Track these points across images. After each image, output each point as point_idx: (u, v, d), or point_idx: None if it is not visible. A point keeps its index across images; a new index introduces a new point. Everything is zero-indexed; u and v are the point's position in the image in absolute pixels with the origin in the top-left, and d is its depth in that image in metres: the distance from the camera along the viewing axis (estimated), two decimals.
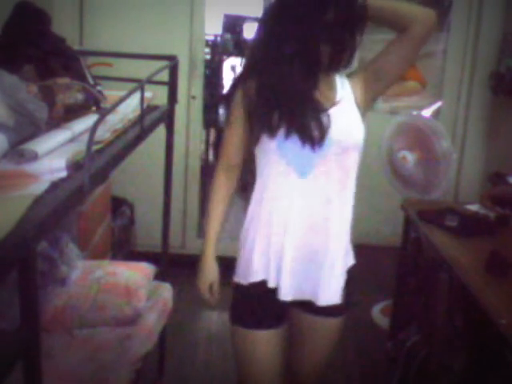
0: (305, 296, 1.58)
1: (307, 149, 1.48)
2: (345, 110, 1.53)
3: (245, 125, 1.56)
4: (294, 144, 1.48)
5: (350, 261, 1.65)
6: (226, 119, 1.60)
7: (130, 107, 1.82)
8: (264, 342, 1.62)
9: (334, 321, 1.66)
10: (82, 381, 1.86)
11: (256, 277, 1.56)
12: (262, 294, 1.57)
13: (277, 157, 1.51)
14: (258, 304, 1.60)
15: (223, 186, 1.63)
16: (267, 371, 1.65)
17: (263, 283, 1.56)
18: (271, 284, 1.55)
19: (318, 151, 1.49)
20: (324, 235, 1.54)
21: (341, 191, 1.55)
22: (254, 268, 1.56)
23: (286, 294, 1.55)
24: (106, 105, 1.73)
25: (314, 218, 1.53)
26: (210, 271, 1.64)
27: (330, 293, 1.57)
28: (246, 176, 1.65)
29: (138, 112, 1.86)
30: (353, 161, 1.55)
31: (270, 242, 1.54)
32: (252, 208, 1.59)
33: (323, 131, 1.47)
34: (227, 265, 1.65)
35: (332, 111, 1.50)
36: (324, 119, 1.47)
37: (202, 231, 4.06)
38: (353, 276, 1.64)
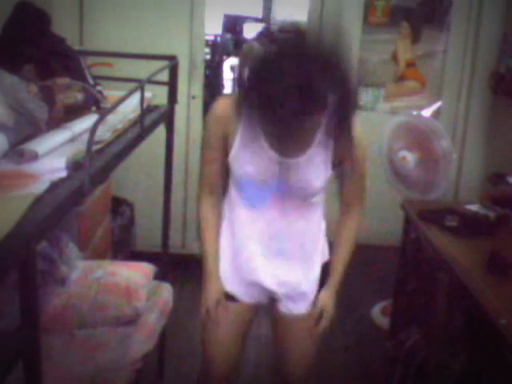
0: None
1: (257, 188, 1.53)
2: (315, 158, 1.49)
3: (223, 149, 1.56)
4: (249, 181, 1.53)
5: (324, 258, 1.70)
6: (202, 149, 1.62)
7: (130, 107, 1.82)
8: (225, 311, 1.69)
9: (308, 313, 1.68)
10: (82, 381, 1.86)
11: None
12: None
13: (236, 184, 1.59)
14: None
15: (211, 211, 1.71)
16: (221, 341, 1.73)
17: None
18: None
19: (270, 193, 1.53)
20: (281, 259, 1.62)
21: (293, 223, 1.60)
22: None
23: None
24: (105, 105, 1.73)
25: (260, 246, 1.61)
26: (216, 289, 1.68)
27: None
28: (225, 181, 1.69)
29: (137, 112, 1.85)
30: (311, 200, 1.58)
31: (224, 246, 1.69)
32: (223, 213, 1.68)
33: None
34: None
35: (301, 159, 1.48)
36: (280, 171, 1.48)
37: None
38: (327, 270, 1.69)
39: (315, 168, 1.50)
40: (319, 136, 1.48)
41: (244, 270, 1.65)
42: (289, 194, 1.53)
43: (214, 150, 1.58)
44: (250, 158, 1.49)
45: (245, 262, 1.64)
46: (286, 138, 1.38)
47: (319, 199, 1.61)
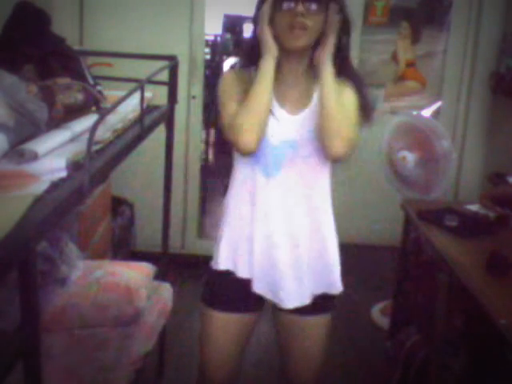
0: (269, 295, 1.60)
1: (272, 149, 1.51)
2: (316, 113, 1.52)
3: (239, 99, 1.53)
4: (264, 141, 1.49)
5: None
6: (223, 101, 1.55)
7: (129, 107, 1.82)
8: (221, 323, 1.65)
9: (314, 319, 1.64)
10: (82, 381, 1.86)
11: (222, 266, 1.61)
12: (227, 281, 1.61)
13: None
14: (222, 288, 1.64)
15: None
16: (220, 352, 1.68)
17: (228, 273, 1.61)
18: (240, 274, 1.59)
19: (285, 153, 1.51)
20: (289, 237, 1.56)
21: (308, 196, 1.56)
22: (221, 258, 1.61)
23: (257, 287, 1.59)
24: (105, 105, 1.73)
25: (279, 221, 1.55)
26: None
27: (294, 295, 1.58)
28: (227, 179, 1.65)
29: (137, 112, 1.86)
30: (321, 165, 1.56)
31: (236, 235, 1.59)
32: (226, 199, 1.62)
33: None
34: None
35: (305, 113, 1.53)
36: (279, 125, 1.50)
37: (202, 231, 4.07)
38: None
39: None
40: (317, 94, 1.53)
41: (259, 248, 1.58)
42: (302, 153, 1.52)
43: (235, 99, 1.52)
44: None
45: (264, 237, 1.57)
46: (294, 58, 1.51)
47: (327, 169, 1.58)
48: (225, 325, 1.65)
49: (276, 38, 1.48)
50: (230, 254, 1.61)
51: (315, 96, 1.55)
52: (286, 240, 1.56)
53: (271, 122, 1.51)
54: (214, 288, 1.66)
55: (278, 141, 1.52)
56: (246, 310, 1.65)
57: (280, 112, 1.53)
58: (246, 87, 1.51)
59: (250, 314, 1.67)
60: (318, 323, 1.66)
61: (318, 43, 1.51)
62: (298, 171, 1.54)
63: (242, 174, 1.58)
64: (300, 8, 1.42)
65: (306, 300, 1.60)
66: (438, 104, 3.86)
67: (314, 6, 1.44)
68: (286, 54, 1.52)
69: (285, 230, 1.56)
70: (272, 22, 1.47)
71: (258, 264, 1.57)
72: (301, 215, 1.56)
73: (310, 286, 1.60)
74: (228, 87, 1.55)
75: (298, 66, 1.55)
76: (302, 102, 1.55)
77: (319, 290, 1.61)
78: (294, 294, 1.58)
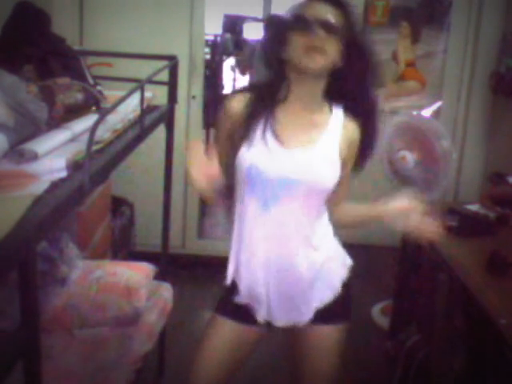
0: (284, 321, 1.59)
1: (273, 182, 1.47)
2: (323, 153, 1.50)
3: (228, 142, 1.52)
4: (259, 175, 1.47)
5: (343, 275, 1.63)
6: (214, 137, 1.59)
7: (130, 107, 1.82)
8: (221, 330, 1.64)
9: (325, 329, 1.62)
10: (82, 381, 1.86)
11: (229, 280, 1.60)
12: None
13: (246, 181, 1.51)
14: (230, 295, 1.61)
15: None
16: (212, 357, 1.66)
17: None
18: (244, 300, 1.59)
19: (285, 188, 1.48)
20: (288, 266, 1.54)
21: (305, 227, 1.54)
22: (229, 273, 1.60)
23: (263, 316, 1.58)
24: (105, 105, 1.73)
25: (275, 251, 1.53)
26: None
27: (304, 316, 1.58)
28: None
29: (137, 112, 1.86)
30: (320, 201, 1.54)
31: (240, 260, 1.57)
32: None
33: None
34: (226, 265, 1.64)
35: (308, 152, 1.48)
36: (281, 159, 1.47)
37: (202, 231, 4.06)
38: (347, 289, 1.62)
39: (321, 161, 1.49)
40: (324, 131, 1.50)
41: (245, 271, 1.57)
42: (300, 190, 1.49)
43: (220, 144, 1.54)
44: (258, 153, 1.48)
45: (246, 261, 1.57)
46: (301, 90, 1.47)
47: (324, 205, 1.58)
48: (225, 331, 1.63)
49: (288, 60, 1.44)
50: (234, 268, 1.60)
51: (322, 137, 1.50)
52: (285, 268, 1.54)
53: (264, 153, 1.47)
54: (224, 295, 1.64)
55: (273, 176, 1.47)
56: (251, 322, 1.62)
57: (276, 148, 1.47)
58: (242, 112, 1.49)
59: (254, 328, 1.63)
60: (323, 332, 1.63)
61: (335, 72, 1.47)
62: (295, 205, 1.50)
63: (240, 199, 1.55)
64: (321, 33, 1.39)
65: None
66: (438, 104, 3.86)
67: (331, 30, 1.41)
68: (298, 77, 1.45)
69: (282, 261, 1.54)
70: (284, 43, 1.43)
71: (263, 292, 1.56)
72: (296, 246, 1.54)
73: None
74: (223, 119, 1.54)
75: (310, 94, 1.49)
76: (302, 137, 1.50)
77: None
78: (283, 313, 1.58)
